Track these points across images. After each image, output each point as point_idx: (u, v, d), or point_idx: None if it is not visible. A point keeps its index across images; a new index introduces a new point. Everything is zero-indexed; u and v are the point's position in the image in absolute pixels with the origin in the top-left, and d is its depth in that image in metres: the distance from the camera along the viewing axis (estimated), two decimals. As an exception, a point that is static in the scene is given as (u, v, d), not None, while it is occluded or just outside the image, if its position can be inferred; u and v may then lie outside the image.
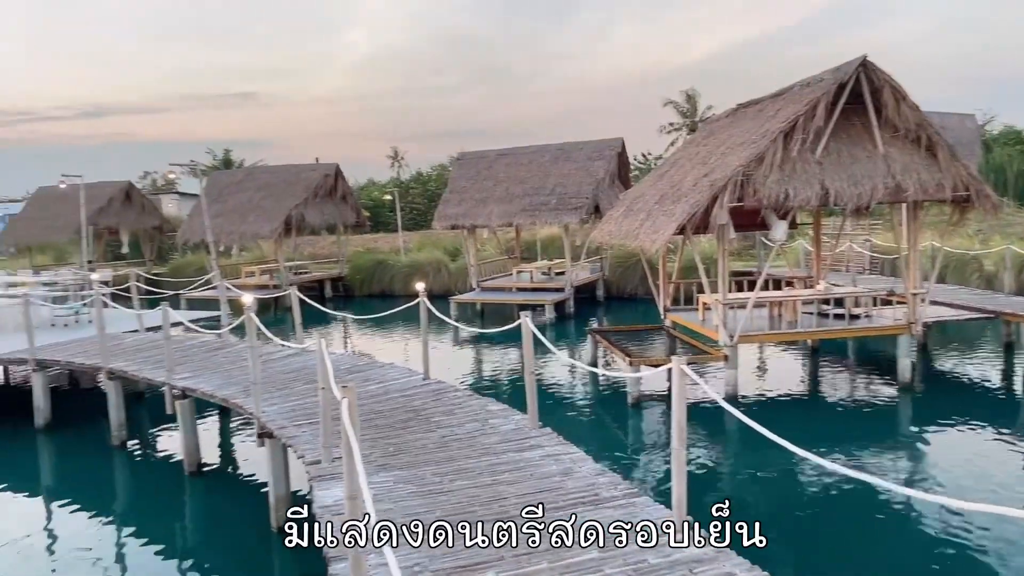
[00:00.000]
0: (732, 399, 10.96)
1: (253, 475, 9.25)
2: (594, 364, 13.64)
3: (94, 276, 15.93)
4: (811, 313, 12.95)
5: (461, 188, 23.11)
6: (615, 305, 22.30)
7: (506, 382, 13.42)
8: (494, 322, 19.61)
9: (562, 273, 21.65)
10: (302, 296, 12.73)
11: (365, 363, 10.65)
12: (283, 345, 11.08)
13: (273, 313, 22.70)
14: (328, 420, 6.52)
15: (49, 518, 8.41)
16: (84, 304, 16.00)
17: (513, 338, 17.35)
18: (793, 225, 14.78)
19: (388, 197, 38.29)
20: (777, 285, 15.26)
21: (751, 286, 13.83)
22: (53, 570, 7.01)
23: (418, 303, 9.68)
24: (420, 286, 10.12)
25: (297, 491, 7.90)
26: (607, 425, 10.99)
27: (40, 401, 11.30)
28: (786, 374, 13.41)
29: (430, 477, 5.99)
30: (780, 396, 11.72)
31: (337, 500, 5.49)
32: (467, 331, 17.94)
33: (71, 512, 8.50)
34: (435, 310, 9.76)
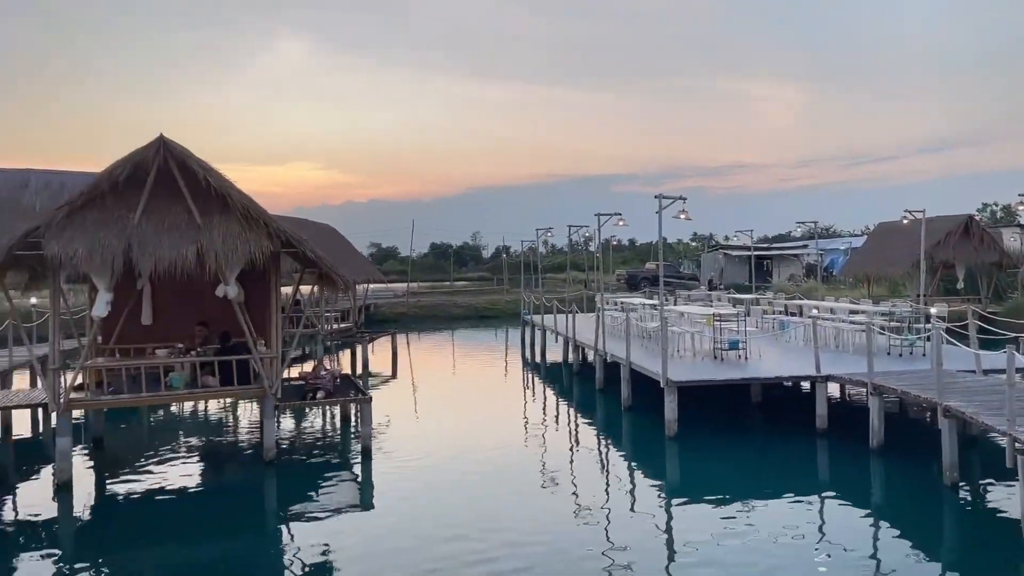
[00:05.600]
0: None
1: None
2: None
3: (932, 310, 16.07)
4: None
5: None
6: None
7: None
8: None
9: None
10: None
11: None
12: None
13: None
14: None
15: (875, 536, 8.94)
16: (919, 336, 16.33)
17: None
18: None
19: None
20: None
21: None
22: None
23: None
24: None
25: None
26: None
27: (875, 423, 12.14)
28: None
29: None
30: None
31: None
32: None
33: (893, 537, 8.83)
34: None
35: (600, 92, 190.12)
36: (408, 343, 31.66)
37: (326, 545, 8.84)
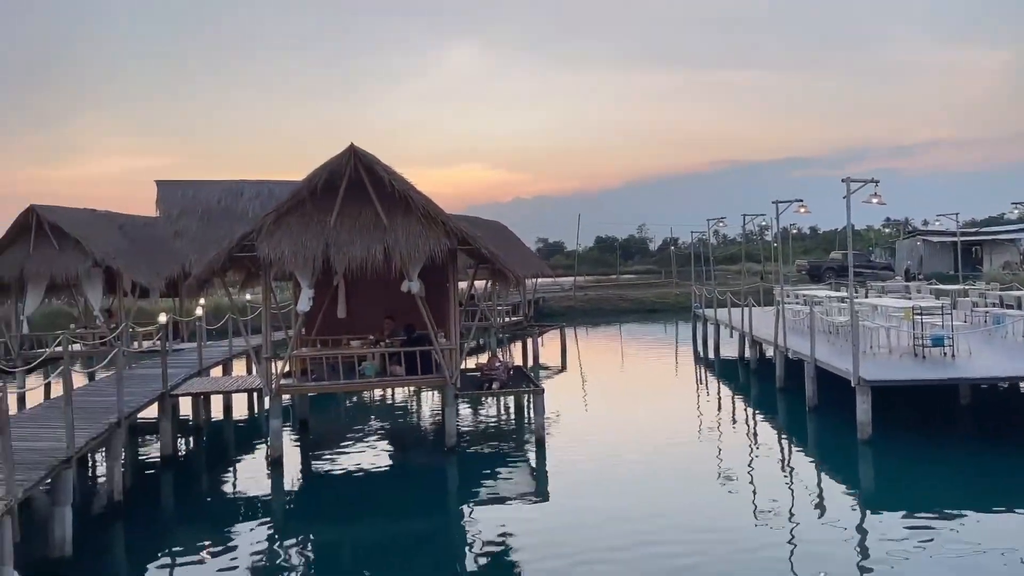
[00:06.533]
0: None
1: None
2: None
3: None
4: None
5: None
6: None
7: None
8: None
9: None
10: None
11: None
12: None
13: None
14: None
15: None
16: None
17: None
18: None
19: None
20: None
21: None
22: None
23: None
24: None
25: None
26: None
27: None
28: None
29: None
30: None
31: None
32: None
33: None
34: None
35: (772, 71, 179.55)
36: (576, 336, 31.90)
37: (504, 530, 9.18)
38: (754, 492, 10.34)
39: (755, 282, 35.26)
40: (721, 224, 30.08)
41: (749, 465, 11.95)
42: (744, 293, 22.60)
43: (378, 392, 18.30)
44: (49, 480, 7.84)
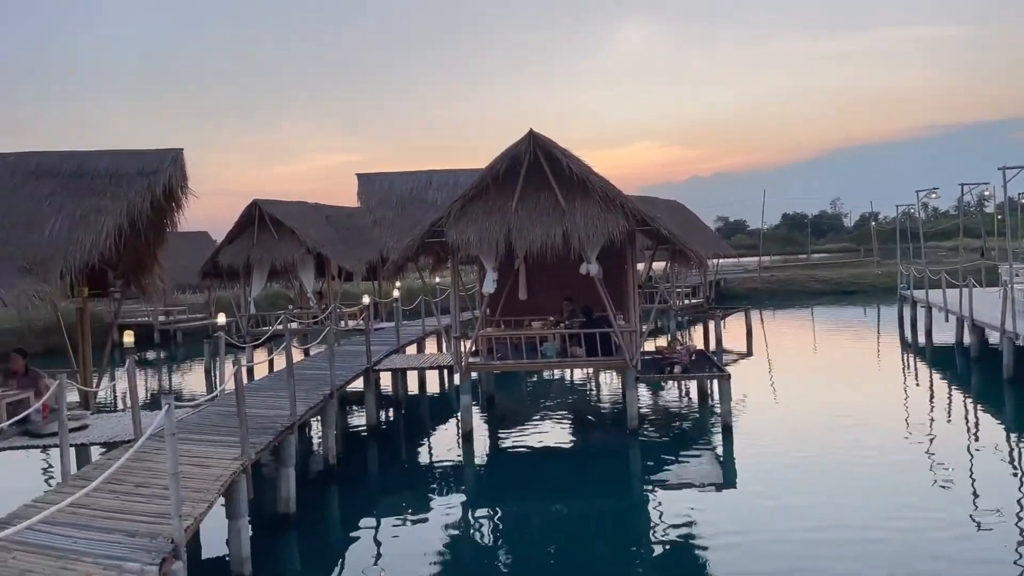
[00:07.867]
0: None
1: None
2: None
3: None
4: None
5: None
6: None
7: None
8: None
9: None
10: None
11: None
12: None
13: None
14: None
15: None
16: None
17: None
18: None
19: None
20: None
21: None
22: None
23: None
24: None
25: None
26: None
27: None
28: None
29: None
30: None
31: None
32: None
33: None
34: None
35: (985, 23, 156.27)
36: (762, 320, 30.31)
37: (690, 516, 9.00)
38: (974, 495, 9.26)
39: (974, 259, 31.27)
40: (933, 195, 27.03)
41: (969, 463, 10.72)
42: (962, 272, 20.17)
43: (557, 372, 18.68)
44: (276, 444, 8.92)
